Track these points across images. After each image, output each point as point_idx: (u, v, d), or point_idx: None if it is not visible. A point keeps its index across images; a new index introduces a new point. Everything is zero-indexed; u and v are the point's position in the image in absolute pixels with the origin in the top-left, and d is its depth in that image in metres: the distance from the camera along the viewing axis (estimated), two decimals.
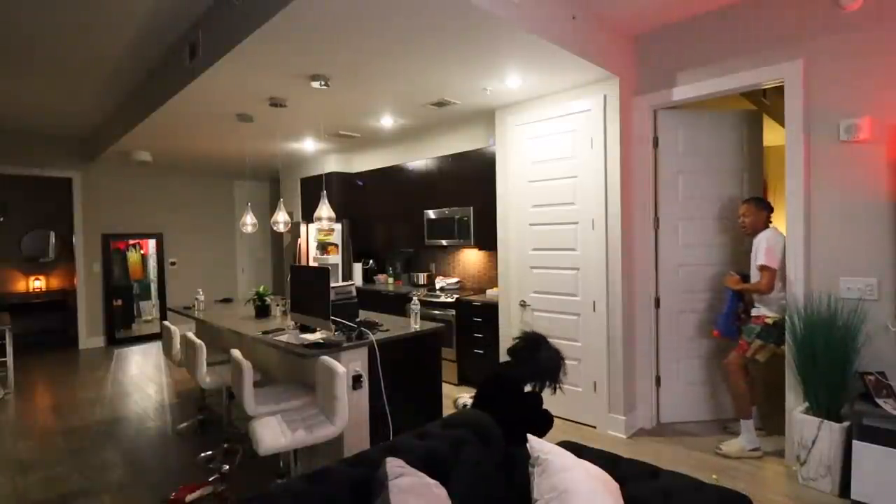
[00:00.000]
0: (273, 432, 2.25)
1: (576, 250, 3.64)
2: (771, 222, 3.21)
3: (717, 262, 3.58)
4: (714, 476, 2.81)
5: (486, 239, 4.54)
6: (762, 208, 3.21)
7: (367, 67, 3.23)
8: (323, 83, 3.39)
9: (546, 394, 2.45)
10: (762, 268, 3.05)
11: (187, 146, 5.68)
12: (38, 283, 7.22)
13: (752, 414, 3.11)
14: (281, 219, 4.37)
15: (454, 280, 5.18)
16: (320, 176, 5.84)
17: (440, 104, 4.13)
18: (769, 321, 3.05)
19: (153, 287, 7.48)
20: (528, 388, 2.45)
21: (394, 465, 1.39)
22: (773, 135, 5.29)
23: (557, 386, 2.48)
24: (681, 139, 3.55)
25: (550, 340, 2.56)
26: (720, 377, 3.53)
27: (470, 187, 4.74)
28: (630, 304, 3.51)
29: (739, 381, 3.14)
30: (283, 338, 2.98)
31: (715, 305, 3.53)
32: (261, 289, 3.92)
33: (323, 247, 6.06)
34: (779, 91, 3.05)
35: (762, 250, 3.06)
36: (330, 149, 6.15)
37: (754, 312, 3.16)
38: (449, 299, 4.66)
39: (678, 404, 3.61)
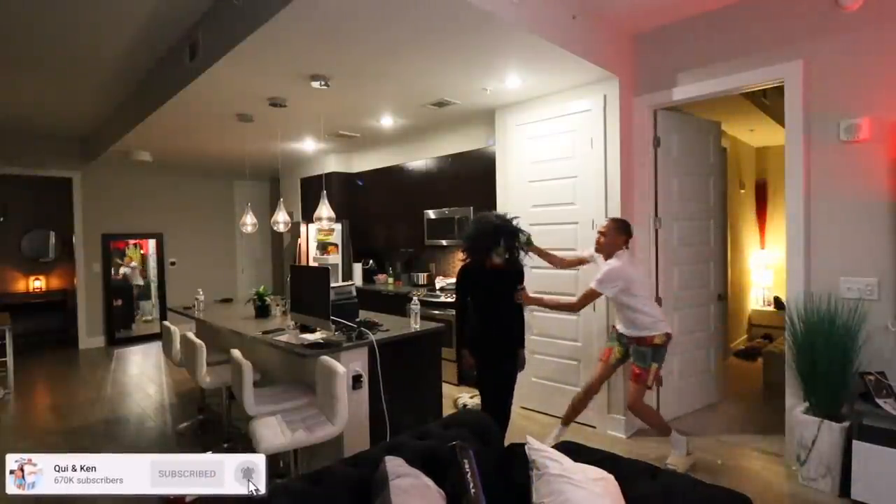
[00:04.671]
0: (273, 432, 2.25)
1: (576, 250, 3.63)
2: (627, 247, 2.89)
3: (707, 259, 3.81)
4: (719, 461, 2.80)
5: None
6: (622, 233, 2.88)
7: (367, 67, 3.23)
8: (323, 83, 3.38)
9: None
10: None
11: (187, 146, 5.67)
12: (38, 283, 7.22)
13: (669, 428, 2.94)
14: (281, 219, 4.37)
15: (454, 280, 5.17)
16: (320, 176, 5.82)
17: (440, 104, 4.13)
18: (658, 342, 2.81)
19: (153, 287, 7.49)
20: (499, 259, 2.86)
21: (394, 464, 1.38)
22: (773, 135, 5.30)
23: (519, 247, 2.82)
24: (674, 141, 3.63)
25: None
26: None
27: (470, 187, 4.73)
28: None
29: (652, 414, 2.98)
30: (283, 338, 2.98)
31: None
32: (261, 289, 3.93)
33: (323, 247, 6.06)
34: (779, 91, 3.05)
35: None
36: (330, 149, 6.15)
37: (636, 333, 2.84)
38: (449, 299, 4.65)
39: (678, 403, 3.61)
